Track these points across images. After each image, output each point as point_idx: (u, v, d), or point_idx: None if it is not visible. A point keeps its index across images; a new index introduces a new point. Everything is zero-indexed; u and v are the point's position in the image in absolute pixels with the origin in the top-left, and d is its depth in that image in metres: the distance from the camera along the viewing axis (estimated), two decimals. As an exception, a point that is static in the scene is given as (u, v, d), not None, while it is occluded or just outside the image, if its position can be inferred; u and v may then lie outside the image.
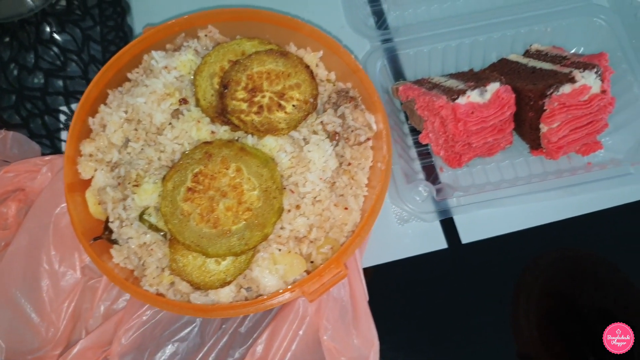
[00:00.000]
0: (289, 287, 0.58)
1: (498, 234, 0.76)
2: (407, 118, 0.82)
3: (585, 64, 0.72)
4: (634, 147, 0.75)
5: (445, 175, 0.79)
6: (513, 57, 0.82)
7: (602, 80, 0.72)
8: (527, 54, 0.82)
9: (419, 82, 0.79)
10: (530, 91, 0.72)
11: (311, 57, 0.70)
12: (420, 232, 0.77)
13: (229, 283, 0.60)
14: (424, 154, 0.80)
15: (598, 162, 0.78)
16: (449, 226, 0.77)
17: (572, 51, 0.84)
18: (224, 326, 0.71)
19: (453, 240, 0.76)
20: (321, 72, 0.71)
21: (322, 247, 0.63)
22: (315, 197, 0.63)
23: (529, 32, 0.82)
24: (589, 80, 0.71)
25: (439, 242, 0.76)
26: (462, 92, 0.72)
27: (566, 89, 0.71)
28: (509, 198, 0.74)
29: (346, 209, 0.64)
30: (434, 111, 0.73)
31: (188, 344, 0.71)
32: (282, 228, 0.62)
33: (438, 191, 0.76)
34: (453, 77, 0.80)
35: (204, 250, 0.59)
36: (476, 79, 0.76)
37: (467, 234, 0.76)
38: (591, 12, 0.81)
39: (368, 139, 0.66)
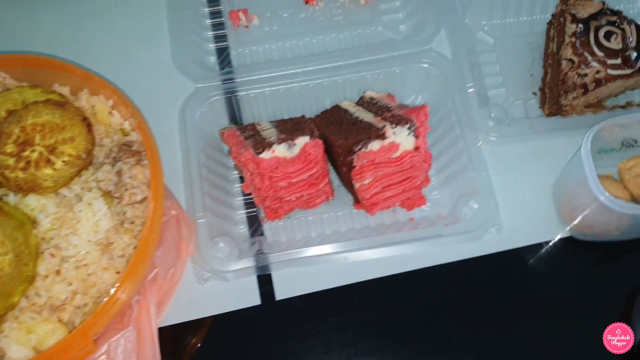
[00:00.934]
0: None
1: (313, 290, 0.73)
2: (237, 164, 0.79)
3: (400, 119, 0.69)
4: (454, 205, 0.71)
5: (267, 226, 0.76)
6: (345, 104, 0.78)
7: (417, 137, 0.68)
8: (360, 101, 0.79)
9: (243, 129, 0.76)
10: (339, 147, 0.69)
11: (102, 105, 0.66)
12: (233, 288, 0.73)
13: (-30, 354, 0.57)
14: (250, 203, 0.77)
15: (424, 217, 0.75)
16: (266, 281, 0.74)
17: (410, 100, 0.81)
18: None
19: (267, 297, 0.73)
20: (115, 121, 0.67)
21: (88, 313, 0.60)
22: (80, 261, 0.60)
23: (360, 78, 0.78)
24: (400, 136, 0.68)
25: (253, 299, 0.73)
26: (269, 146, 0.68)
27: (375, 145, 0.68)
28: (322, 256, 0.70)
29: (118, 272, 0.61)
30: (244, 163, 0.70)
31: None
32: (37, 295, 0.58)
33: (253, 244, 0.72)
34: (277, 124, 0.76)
35: (-57, 319, 0.56)
36: (293, 129, 0.73)
37: (283, 290, 0.73)
38: (428, 59, 0.78)
39: (145, 197, 0.63)
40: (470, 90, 0.76)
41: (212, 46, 0.84)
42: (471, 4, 0.83)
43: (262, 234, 0.75)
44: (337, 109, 0.78)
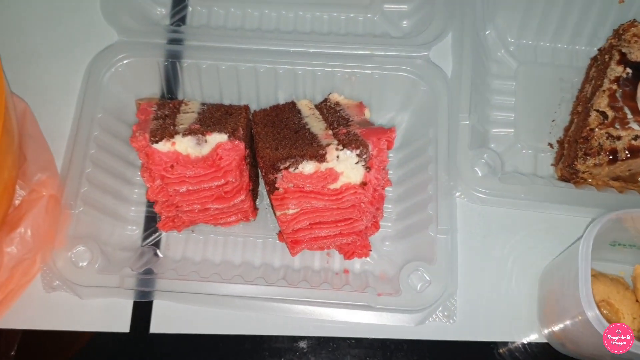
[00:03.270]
0: None
1: (195, 332, 0.56)
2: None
3: (353, 140, 0.50)
4: (401, 269, 0.53)
5: (166, 234, 0.59)
6: (303, 103, 0.60)
7: (368, 169, 0.50)
8: (322, 103, 0.61)
9: (163, 105, 0.58)
10: (262, 158, 0.51)
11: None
12: (102, 305, 0.56)
13: None
14: (153, 199, 0.60)
15: (365, 271, 0.57)
16: (144, 308, 0.57)
17: (387, 118, 0.62)
18: None
19: (139, 326, 0.56)
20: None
21: None
22: None
23: (327, 75, 0.60)
24: (344, 164, 0.50)
25: (121, 324, 0.56)
26: (171, 135, 0.51)
27: (308, 167, 0.50)
28: (210, 296, 0.53)
29: None
30: (137, 150, 0.53)
31: None
32: None
33: (138, 255, 0.56)
34: (207, 109, 0.59)
35: None
36: (218, 120, 0.55)
37: (162, 323, 0.56)
38: (417, 69, 0.59)
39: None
40: (464, 122, 0.57)
41: (166, -1, 0.67)
42: (498, 13, 0.63)
43: (156, 243, 0.59)
44: (291, 106, 0.61)
